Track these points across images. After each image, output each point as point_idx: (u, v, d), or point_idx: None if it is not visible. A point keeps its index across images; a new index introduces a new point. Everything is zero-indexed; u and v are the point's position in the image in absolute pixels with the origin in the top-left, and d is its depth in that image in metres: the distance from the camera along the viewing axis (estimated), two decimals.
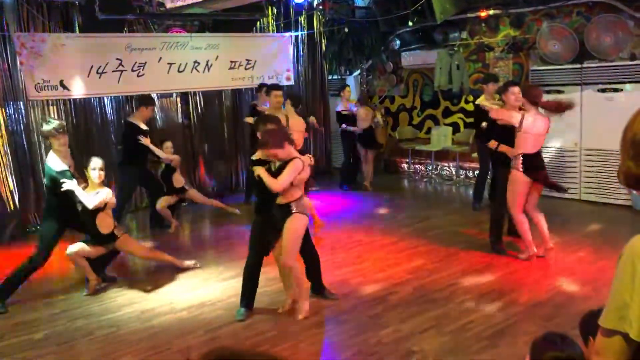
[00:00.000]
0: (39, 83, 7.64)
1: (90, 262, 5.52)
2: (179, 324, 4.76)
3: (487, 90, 7.49)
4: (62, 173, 5.23)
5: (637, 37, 7.69)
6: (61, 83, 7.84)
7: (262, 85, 8.83)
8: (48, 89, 7.74)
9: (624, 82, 7.54)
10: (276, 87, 7.84)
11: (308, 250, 4.96)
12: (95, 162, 5.43)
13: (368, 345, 4.20)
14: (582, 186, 8.15)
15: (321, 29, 10.58)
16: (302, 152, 5.24)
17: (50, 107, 8.04)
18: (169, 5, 7.72)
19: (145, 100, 7.67)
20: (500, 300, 4.92)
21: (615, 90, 7.62)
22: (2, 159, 7.60)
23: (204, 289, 5.51)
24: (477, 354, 4.01)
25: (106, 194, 5.40)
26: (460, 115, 10.18)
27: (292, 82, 10.16)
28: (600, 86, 7.77)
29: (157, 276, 5.91)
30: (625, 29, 7.58)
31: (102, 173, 5.44)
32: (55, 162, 5.27)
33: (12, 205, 7.68)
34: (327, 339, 4.43)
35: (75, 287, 5.70)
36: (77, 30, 8.10)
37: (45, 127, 5.31)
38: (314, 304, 4.97)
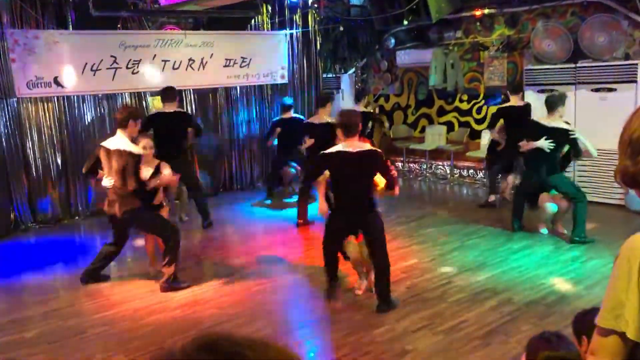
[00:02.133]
0: (31, 80, 7.59)
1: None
2: (172, 322, 4.73)
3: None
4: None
5: (631, 37, 7.73)
6: (55, 80, 7.80)
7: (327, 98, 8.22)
8: (41, 86, 7.70)
9: (618, 82, 7.57)
10: None
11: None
12: (145, 142, 5.51)
13: (361, 344, 4.20)
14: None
15: (316, 27, 10.56)
16: None
17: (44, 104, 7.97)
18: (163, 2, 7.69)
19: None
20: (493, 299, 4.92)
21: (609, 90, 7.65)
22: None
23: (197, 288, 5.48)
24: (470, 353, 4.01)
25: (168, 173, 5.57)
26: (455, 114, 10.18)
27: (286, 81, 10.14)
28: (594, 86, 7.79)
29: (150, 275, 5.87)
30: (619, 28, 7.61)
31: (152, 150, 5.56)
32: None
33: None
34: (320, 337, 4.42)
35: (67, 285, 5.67)
36: (71, 27, 8.05)
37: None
38: (308, 301, 4.97)
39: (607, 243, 6.10)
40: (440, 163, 10.39)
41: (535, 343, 2.18)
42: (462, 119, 10.02)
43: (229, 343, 0.68)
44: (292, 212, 7.81)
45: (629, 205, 7.50)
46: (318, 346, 4.35)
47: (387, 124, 10.26)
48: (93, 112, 8.44)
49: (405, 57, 10.48)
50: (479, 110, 9.73)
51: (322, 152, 4.74)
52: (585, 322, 2.03)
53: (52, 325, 4.76)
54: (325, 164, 4.70)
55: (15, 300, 5.31)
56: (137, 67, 8.46)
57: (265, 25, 10.00)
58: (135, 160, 5.21)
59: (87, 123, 8.39)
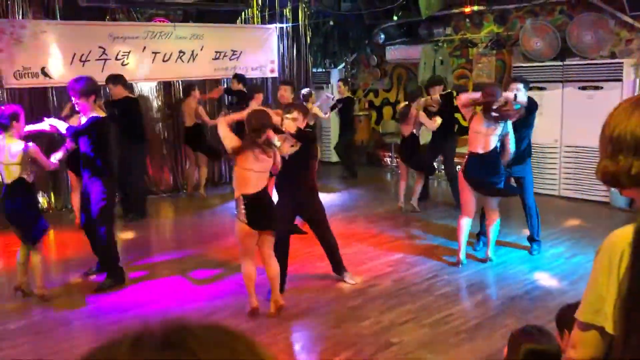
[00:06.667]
0: (18, 70, 7.52)
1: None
2: (158, 314, 4.73)
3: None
4: None
5: (617, 36, 7.80)
6: (42, 70, 7.73)
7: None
8: (28, 77, 7.63)
9: (604, 80, 7.64)
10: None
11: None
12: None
13: (347, 336, 4.23)
14: (561, 182, 8.26)
15: (306, 21, 10.55)
16: None
17: (30, 95, 7.88)
18: None
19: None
20: (478, 293, 4.97)
21: (596, 88, 7.72)
22: None
23: (184, 279, 5.48)
24: (455, 346, 4.05)
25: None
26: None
27: (275, 75, 10.12)
28: (581, 84, 7.86)
29: (136, 265, 5.86)
30: (606, 27, 7.68)
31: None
32: None
33: None
34: (307, 329, 4.45)
35: (53, 276, 5.64)
36: (59, 17, 7.98)
37: None
38: (294, 294, 4.98)
39: (592, 239, 6.17)
40: None
41: (516, 336, 2.20)
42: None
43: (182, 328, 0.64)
44: None
45: (613, 202, 7.59)
46: (304, 338, 4.37)
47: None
48: None
49: (395, 53, 10.50)
50: None
51: None
52: (567, 316, 2.05)
53: (36, 317, 4.74)
54: None
55: None
56: (127, 58, 8.40)
57: (255, 19, 9.97)
58: None
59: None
